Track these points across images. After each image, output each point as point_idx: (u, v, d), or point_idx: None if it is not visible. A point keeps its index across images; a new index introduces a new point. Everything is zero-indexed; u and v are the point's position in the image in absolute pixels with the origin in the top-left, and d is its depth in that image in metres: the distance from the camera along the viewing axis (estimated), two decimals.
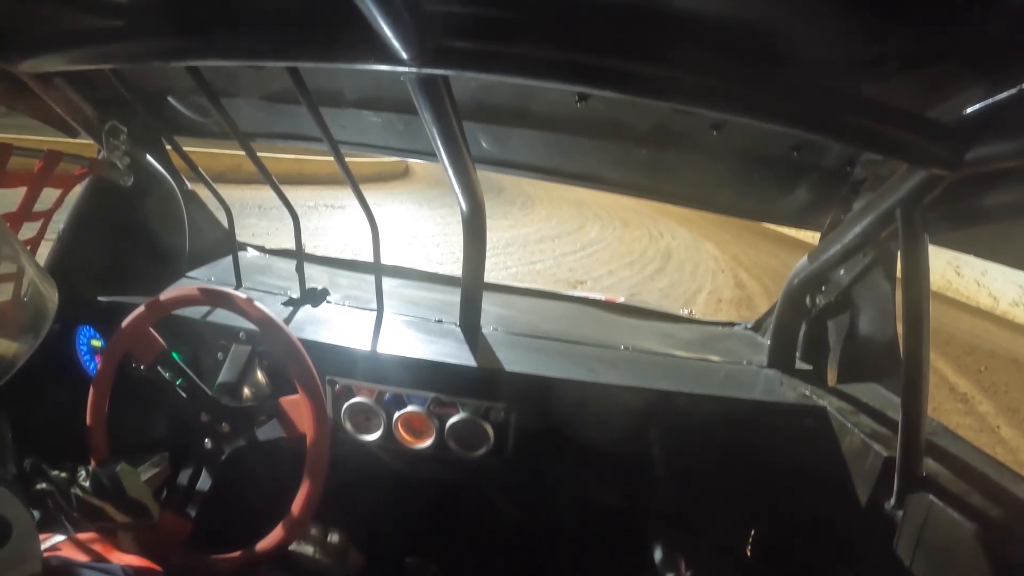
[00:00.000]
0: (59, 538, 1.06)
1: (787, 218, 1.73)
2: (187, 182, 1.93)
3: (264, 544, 1.30)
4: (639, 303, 2.84)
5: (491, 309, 1.96)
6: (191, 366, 1.41)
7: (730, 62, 0.94)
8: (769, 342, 1.88)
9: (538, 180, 1.83)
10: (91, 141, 1.62)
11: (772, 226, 15.85)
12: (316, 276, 2.09)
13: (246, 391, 1.53)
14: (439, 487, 1.84)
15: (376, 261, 1.76)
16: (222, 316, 1.57)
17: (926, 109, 1.00)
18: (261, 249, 2.44)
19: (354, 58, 1.00)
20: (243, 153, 1.59)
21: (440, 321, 1.87)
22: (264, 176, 1.61)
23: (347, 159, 1.51)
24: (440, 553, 1.81)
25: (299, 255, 1.86)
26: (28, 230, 1.43)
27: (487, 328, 1.85)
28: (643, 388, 1.59)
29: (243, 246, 2.36)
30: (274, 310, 1.37)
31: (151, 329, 1.37)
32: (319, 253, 2.60)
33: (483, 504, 1.85)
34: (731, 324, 2.31)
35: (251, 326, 1.37)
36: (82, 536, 1.10)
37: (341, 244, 8.69)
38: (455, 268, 2.05)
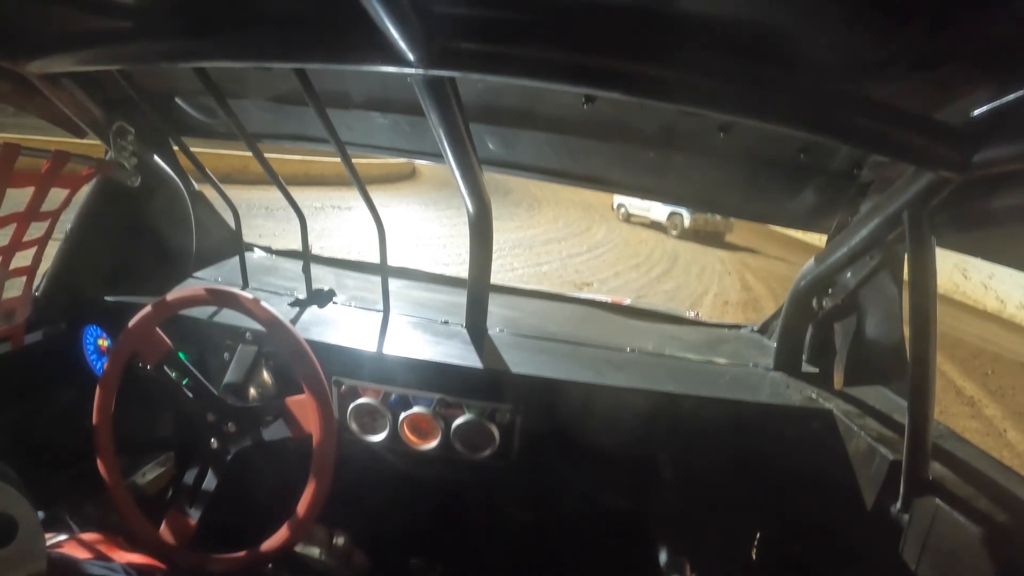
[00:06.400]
0: (63, 537, 1.07)
1: (794, 220, 1.72)
2: (194, 183, 1.93)
3: (269, 544, 1.30)
4: (645, 305, 2.84)
5: (497, 311, 1.96)
6: (197, 366, 1.41)
7: (737, 64, 0.94)
8: (775, 345, 1.87)
9: (544, 182, 1.83)
10: (98, 142, 1.63)
11: (779, 228, 15.83)
12: (322, 277, 2.10)
13: (252, 391, 1.54)
14: (444, 488, 1.83)
15: (382, 262, 1.76)
16: (228, 316, 1.58)
17: (933, 111, 0.99)
18: (268, 250, 2.45)
19: (361, 60, 1.00)
20: (250, 154, 1.59)
21: (446, 322, 1.87)
22: (271, 177, 1.62)
23: (354, 160, 1.51)
24: (445, 555, 1.81)
25: (305, 256, 1.87)
26: (35, 230, 1.44)
27: (493, 330, 1.85)
28: (649, 390, 1.59)
29: (250, 247, 2.37)
30: (280, 311, 1.37)
31: (158, 329, 1.38)
32: (326, 254, 2.61)
33: (488, 506, 1.84)
34: (737, 326, 2.30)
35: (257, 326, 1.37)
36: (86, 535, 1.10)
37: (347, 245, 8.71)
38: (461, 270, 2.05)
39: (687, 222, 15.50)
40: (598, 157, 1.64)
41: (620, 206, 17.75)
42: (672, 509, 1.69)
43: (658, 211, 16.41)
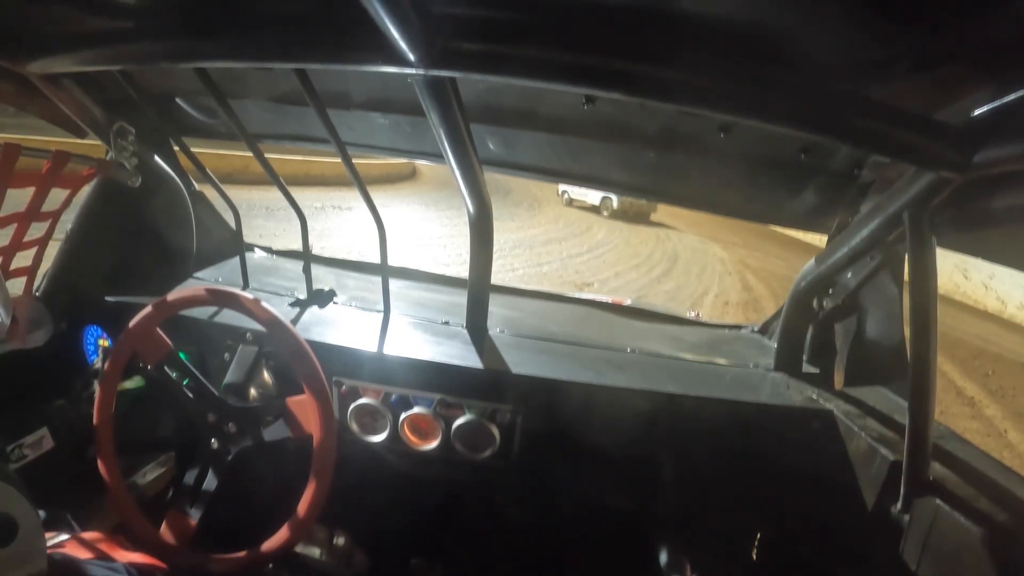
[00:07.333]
0: (64, 536, 1.07)
1: (794, 221, 1.72)
2: (195, 183, 1.93)
3: (269, 545, 1.30)
4: (646, 305, 2.84)
5: (498, 311, 1.96)
6: (198, 366, 1.41)
7: (738, 64, 0.94)
8: (776, 345, 1.87)
9: (545, 182, 1.82)
10: (99, 142, 1.63)
11: (780, 229, 15.84)
12: (323, 277, 2.10)
13: (252, 391, 1.54)
14: (445, 489, 1.84)
15: (383, 262, 1.76)
16: (229, 317, 1.58)
17: (934, 112, 0.99)
18: (268, 250, 2.45)
19: (362, 60, 1.00)
20: (251, 154, 1.59)
21: (447, 323, 1.87)
22: (271, 177, 1.62)
23: (354, 160, 1.51)
24: (445, 555, 1.81)
25: (306, 256, 1.87)
26: (36, 230, 1.44)
27: (493, 330, 1.85)
28: (649, 391, 1.59)
29: (250, 247, 2.37)
30: (281, 311, 1.37)
31: (158, 329, 1.38)
32: (326, 254, 2.61)
33: (488, 506, 1.84)
34: (738, 327, 2.30)
35: (258, 327, 1.37)
36: (87, 535, 1.10)
37: (348, 245, 8.71)
38: (462, 270, 2.05)
39: (616, 204, 17.55)
40: (598, 157, 1.64)
41: (564, 192, 19.38)
42: (672, 509, 1.69)
43: (594, 196, 18.15)
